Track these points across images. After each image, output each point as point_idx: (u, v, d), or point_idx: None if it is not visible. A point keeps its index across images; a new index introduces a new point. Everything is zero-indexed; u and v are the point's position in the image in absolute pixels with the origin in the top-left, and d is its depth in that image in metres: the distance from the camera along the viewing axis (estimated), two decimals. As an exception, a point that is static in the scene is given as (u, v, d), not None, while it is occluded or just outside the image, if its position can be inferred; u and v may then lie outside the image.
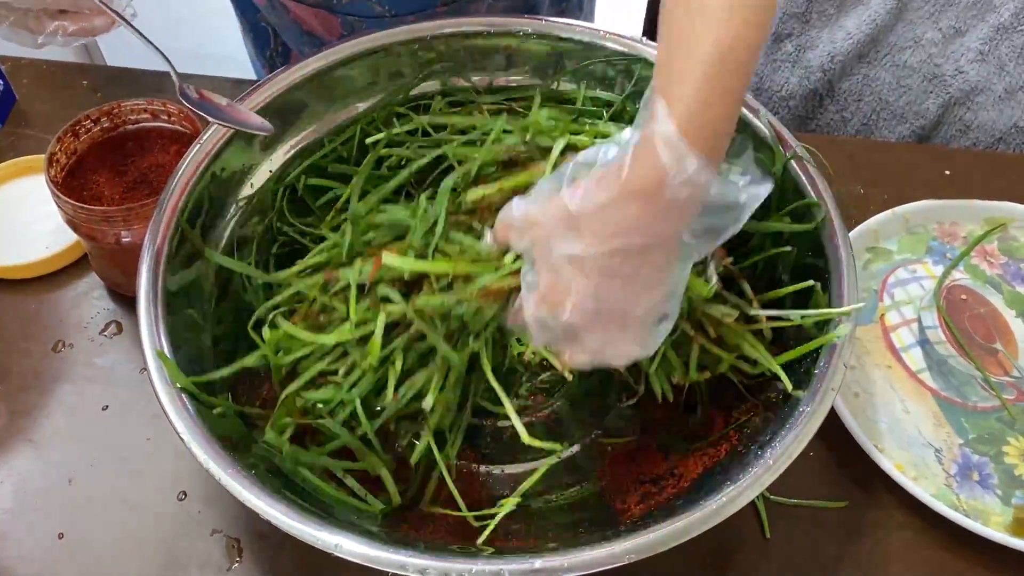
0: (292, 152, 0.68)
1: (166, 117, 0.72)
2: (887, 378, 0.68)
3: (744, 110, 0.64)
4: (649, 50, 0.67)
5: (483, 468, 0.62)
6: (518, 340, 0.58)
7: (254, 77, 1.03)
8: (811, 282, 0.57)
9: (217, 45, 1.59)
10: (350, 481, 0.55)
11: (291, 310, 0.59)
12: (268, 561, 0.59)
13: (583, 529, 0.55)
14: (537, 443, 0.53)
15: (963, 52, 0.86)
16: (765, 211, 0.62)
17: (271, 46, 0.94)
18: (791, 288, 0.57)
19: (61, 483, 0.63)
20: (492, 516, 0.55)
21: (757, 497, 0.61)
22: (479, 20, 0.70)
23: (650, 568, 0.47)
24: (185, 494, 0.62)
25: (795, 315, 0.56)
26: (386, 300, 0.54)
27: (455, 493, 0.55)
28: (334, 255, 0.59)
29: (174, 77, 0.63)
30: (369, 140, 0.67)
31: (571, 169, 0.47)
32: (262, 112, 0.64)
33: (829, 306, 0.55)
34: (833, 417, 0.63)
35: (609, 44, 0.68)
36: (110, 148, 0.72)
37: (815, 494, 0.62)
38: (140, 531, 0.61)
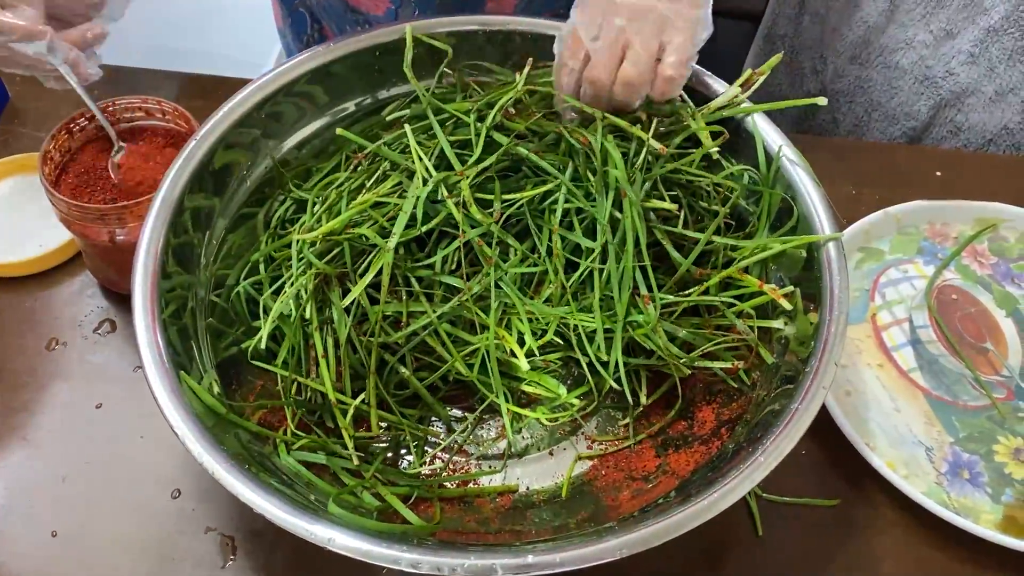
0: (288, 148, 0.68)
1: (160, 115, 0.72)
2: (878, 377, 0.69)
3: (738, 112, 0.65)
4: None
5: (481, 471, 0.62)
6: (519, 344, 0.59)
7: (243, 76, 1.03)
8: (791, 288, 0.58)
9: (213, 44, 1.59)
10: (345, 477, 0.55)
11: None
12: (262, 559, 0.59)
13: (575, 525, 0.55)
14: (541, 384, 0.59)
15: (954, 54, 0.87)
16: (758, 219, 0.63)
17: (308, 31, 0.95)
18: (770, 294, 0.57)
19: (55, 481, 0.63)
20: (486, 496, 0.56)
21: (749, 495, 0.61)
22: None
23: (643, 565, 0.48)
24: (179, 492, 0.62)
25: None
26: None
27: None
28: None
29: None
30: (388, 116, 0.68)
31: None
32: (264, 103, 0.65)
33: (820, 308, 0.56)
34: (825, 416, 0.64)
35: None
36: (104, 146, 0.72)
37: (807, 492, 0.63)
38: (134, 529, 0.61)
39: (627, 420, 0.62)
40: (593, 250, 0.59)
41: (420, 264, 0.61)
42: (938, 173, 0.85)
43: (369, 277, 0.58)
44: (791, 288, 0.58)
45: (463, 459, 0.62)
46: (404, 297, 0.60)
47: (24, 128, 0.85)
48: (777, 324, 0.58)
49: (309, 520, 0.45)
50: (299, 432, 0.58)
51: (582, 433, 0.63)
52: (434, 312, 0.59)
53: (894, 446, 0.65)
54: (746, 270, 0.60)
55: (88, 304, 0.72)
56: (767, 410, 0.54)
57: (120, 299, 0.73)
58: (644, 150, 0.61)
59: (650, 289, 0.58)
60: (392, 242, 0.58)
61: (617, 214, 0.59)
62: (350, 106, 0.71)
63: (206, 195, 0.62)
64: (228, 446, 0.49)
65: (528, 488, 0.60)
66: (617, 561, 0.45)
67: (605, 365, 0.58)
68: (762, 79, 0.64)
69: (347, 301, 0.58)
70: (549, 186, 0.60)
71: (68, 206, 0.64)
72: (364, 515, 0.51)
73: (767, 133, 0.63)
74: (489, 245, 0.59)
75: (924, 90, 0.90)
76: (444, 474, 0.60)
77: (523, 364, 0.58)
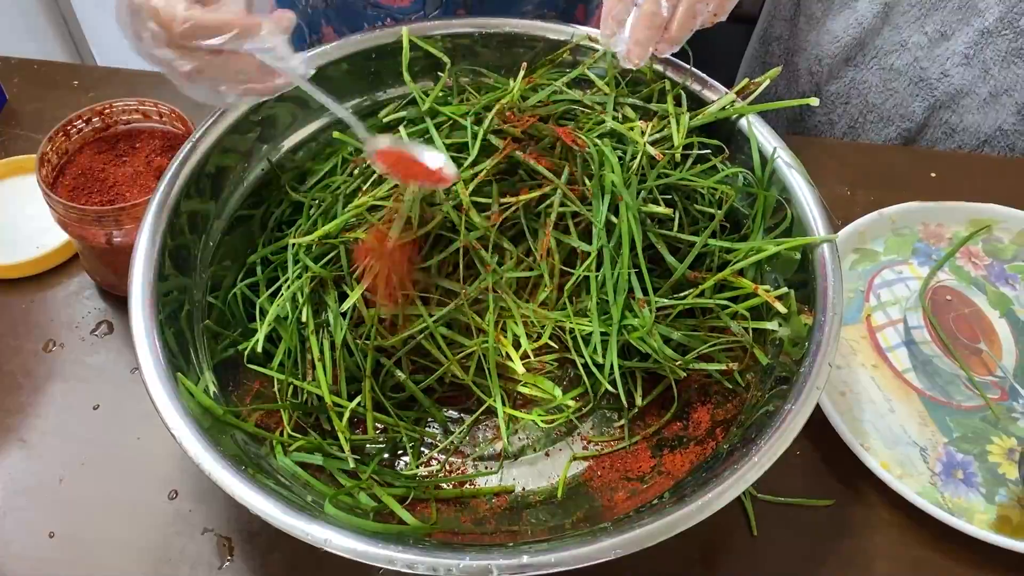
0: (285, 150, 0.68)
1: (158, 117, 0.73)
2: (873, 378, 0.69)
3: (732, 113, 0.65)
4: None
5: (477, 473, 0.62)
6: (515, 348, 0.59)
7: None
8: (785, 290, 0.58)
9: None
10: (341, 477, 0.56)
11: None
12: (259, 560, 0.60)
13: (571, 525, 0.55)
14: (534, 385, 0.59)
15: (948, 56, 0.87)
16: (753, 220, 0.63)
17: (308, 42, 0.94)
18: (765, 297, 0.58)
19: (52, 482, 0.63)
20: (482, 497, 0.56)
21: (744, 495, 0.61)
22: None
23: (638, 565, 0.48)
24: (176, 493, 0.62)
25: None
26: None
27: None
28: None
29: (362, 139, 0.57)
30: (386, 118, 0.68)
31: None
32: (261, 106, 0.65)
33: (815, 309, 0.56)
34: (820, 416, 0.64)
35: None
36: (102, 148, 0.72)
37: (802, 492, 0.63)
38: (131, 530, 0.61)
39: (623, 421, 0.63)
40: (589, 254, 0.59)
41: (416, 267, 0.61)
42: (933, 174, 0.85)
43: (366, 282, 0.58)
44: (785, 290, 0.58)
45: (459, 460, 0.62)
46: (400, 300, 0.60)
47: (21, 130, 0.85)
48: (771, 325, 0.58)
49: (306, 521, 0.46)
50: (295, 434, 0.58)
51: (578, 434, 0.63)
52: (430, 316, 0.59)
53: (888, 446, 0.65)
54: (741, 272, 0.60)
55: (85, 306, 0.73)
56: (762, 411, 0.54)
57: (117, 301, 0.73)
58: (640, 154, 0.61)
59: (645, 292, 0.59)
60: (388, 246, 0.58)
61: (613, 218, 0.59)
62: (348, 107, 0.71)
63: (202, 197, 0.62)
64: (225, 447, 0.50)
65: (524, 488, 0.60)
66: (612, 561, 0.45)
67: (600, 367, 0.58)
68: (760, 90, 0.65)
69: (345, 306, 0.58)
70: (545, 190, 0.61)
71: (65, 208, 0.64)
72: (360, 516, 0.51)
73: (762, 135, 0.64)
74: (486, 249, 0.60)
75: (919, 91, 0.91)
76: (440, 475, 0.61)
77: (519, 367, 0.58)
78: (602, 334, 0.58)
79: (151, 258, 0.56)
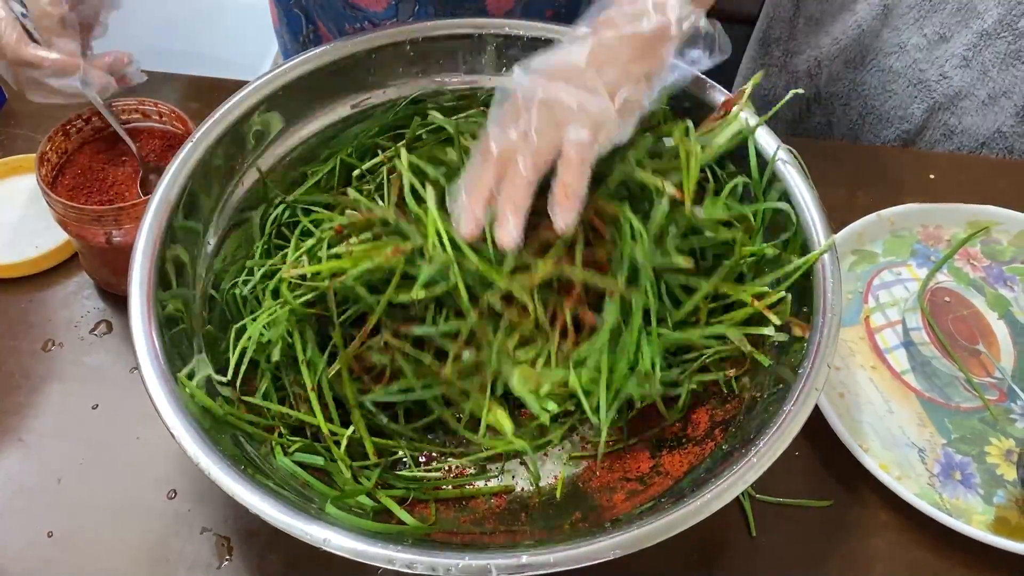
0: (284, 151, 0.68)
1: (158, 117, 0.73)
2: (872, 379, 0.69)
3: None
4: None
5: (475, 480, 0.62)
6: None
7: (240, 78, 1.03)
8: (783, 293, 0.58)
9: (209, 46, 1.59)
10: (341, 478, 0.56)
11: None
12: (257, 559, 0.60)
13: (570, 525, 0.55)
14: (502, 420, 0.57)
15: (947, 58, 0.87)
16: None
17: (303, 32, 0.95)
18: (766, 301, 0.57)
19: (50, 482, 0.63)
20: (481, 497, 0.56)
21: (743, 496, 0.62)
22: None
23: (637, 566, 0.48)
24: (175, 493, 0.62)
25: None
26: None
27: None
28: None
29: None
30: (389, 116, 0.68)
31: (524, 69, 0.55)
32: (260, 106, 0.65)
33: (812, 310, 0.56)
34: (818, 417, 0.64)
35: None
36: (101, 148, 0.72)
37: (801, 493, 0.63)
38: (129, 530, 0.61)
39: (621, 422, 0.63)
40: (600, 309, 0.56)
41: (409, 319, 0.58)
42: (931, 176, 0.85)
43: (355, 345, 0.57)
44: (783, 293, 0.58)
45: (458, 461, 0.62)
46: (393, 353, 0.58)
47: (20, 130, 0.85)
48: (768, 331, 0.58)
49: (305, 520, 0.46)
50: (294, 438, 0.58)
51: (577, 435, 0.63)
52: (418, 382, 0.57)
53: (887, 447, 0.65)
54: (740, 279, 0.60)
55: (84, 305, 0.73)
56: (760, 412, 0.54)
57: (117, 300, 0.73)
58: (659, 210, 0.56)
59: (652, 364, 0.56)
60: (383, 303, 0.57)
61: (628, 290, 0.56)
62: (345, 109, 0.71)
63: (202, 198, 0.62)
64: (224, 447, 0.50)
65: (523, 489, 0.60)
66: (611, 561, 0.45)
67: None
68: (744, 97, 0.62)
69: (334, 370, 0.57)
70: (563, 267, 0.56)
71: (65, 207, 0.64)
72: (360, 515, 0.51)
73: (761, 136, 0.63)
74: (490, 319, 0.56)
75: (918, 93, 0.91)
76: (439, 475, 0.61)
77: (508, 428, 0.57)
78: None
79: (150, 257, 0.56)
